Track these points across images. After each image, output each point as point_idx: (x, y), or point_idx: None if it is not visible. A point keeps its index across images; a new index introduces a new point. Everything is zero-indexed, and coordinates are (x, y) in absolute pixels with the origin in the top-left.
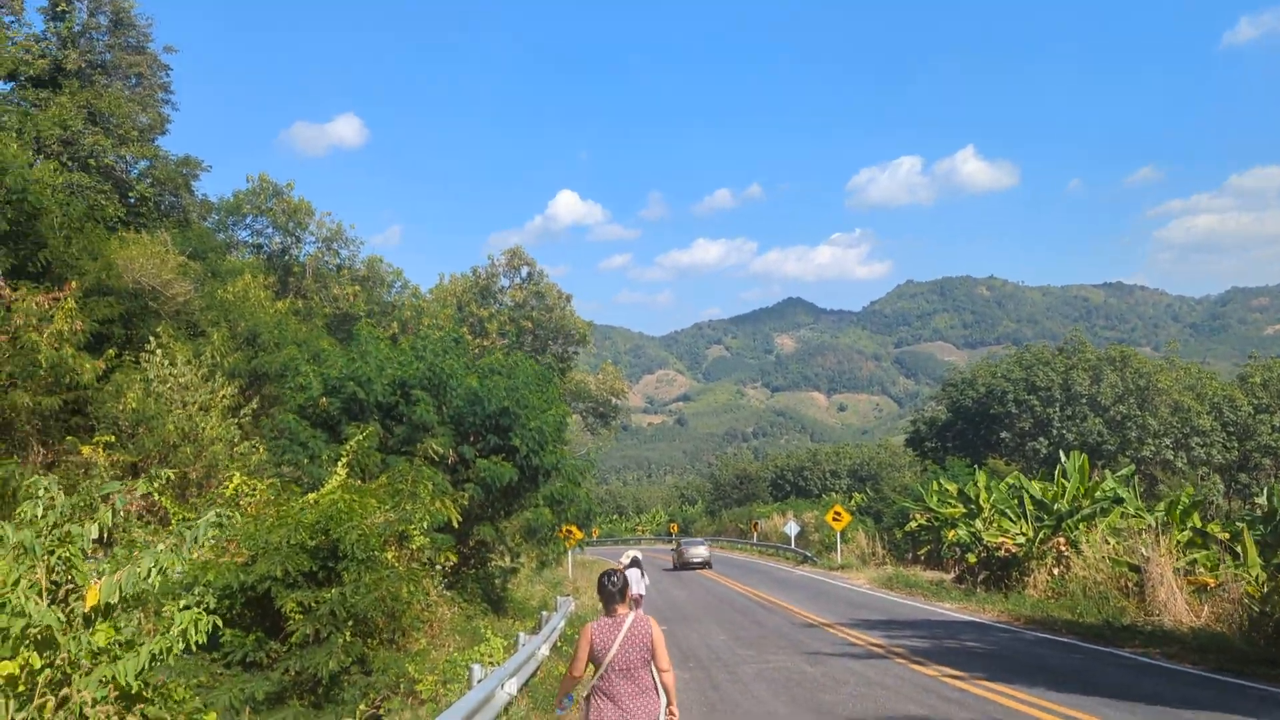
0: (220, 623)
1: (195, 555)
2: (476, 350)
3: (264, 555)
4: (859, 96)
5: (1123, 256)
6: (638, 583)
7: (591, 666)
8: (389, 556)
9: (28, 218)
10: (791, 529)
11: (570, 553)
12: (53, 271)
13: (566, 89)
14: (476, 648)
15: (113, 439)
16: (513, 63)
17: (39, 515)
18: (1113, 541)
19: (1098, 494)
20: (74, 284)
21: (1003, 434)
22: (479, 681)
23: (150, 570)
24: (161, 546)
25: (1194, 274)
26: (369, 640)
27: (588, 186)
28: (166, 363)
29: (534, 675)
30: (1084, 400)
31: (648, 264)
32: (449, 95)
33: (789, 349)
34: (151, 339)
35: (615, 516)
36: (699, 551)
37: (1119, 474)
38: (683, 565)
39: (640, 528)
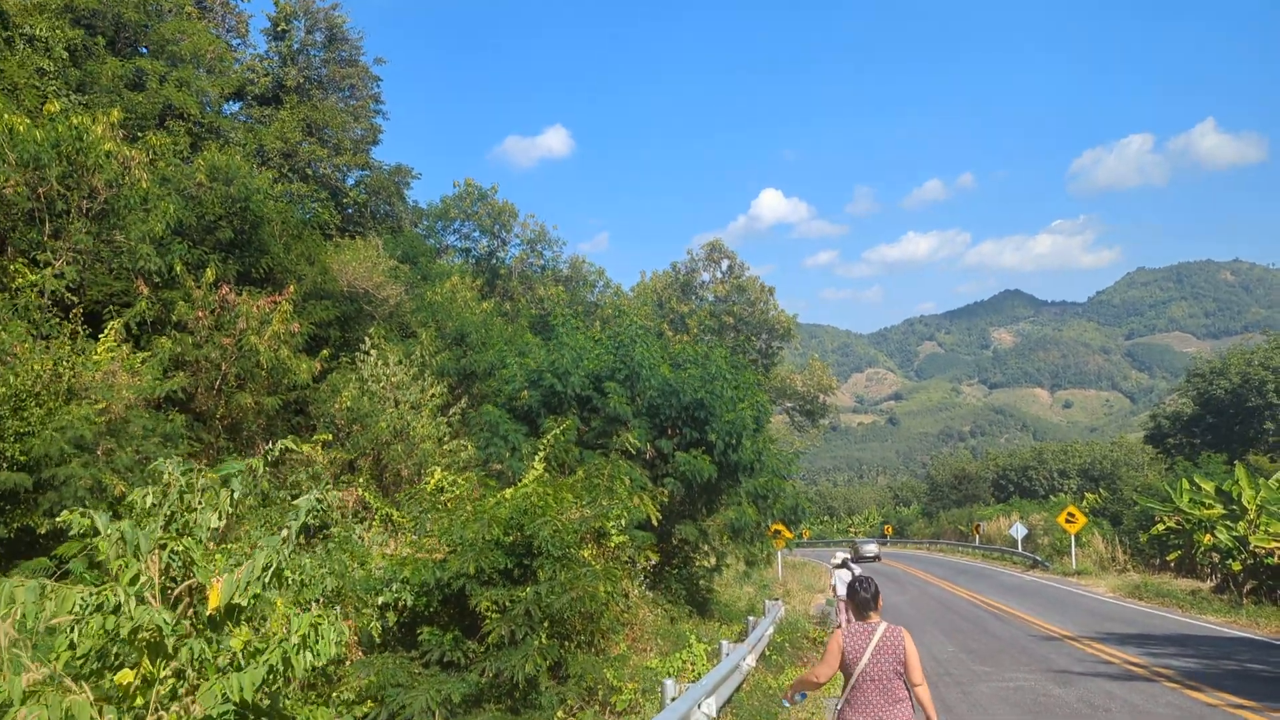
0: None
1: (392, 550)
2: (678, 347)
3: (458, 552)
4: (1079, 71)
5: None
6: (845, 584)
7: (841, 676)
8: (586, 554)
9: (251, 227)
10: (1018, 531)
11: (779, 554)
12: (274, 277)
13: (768, 88)
14: (678, 654)
15: (329, 437)
16: (714, 65)
17: (151, 503)
18: None
19: None
20: (292, 288)
21: (1264, 426)
22: (672, 700)
23: (266, 567)
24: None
25: None
26: (566, 643)
27: (791, 184)
28: (379, 363)
29: (739, 689)
30: None
31: (854, 259)
32: (652, 101)
33: (1007, 344)
34: (366, 340)
35: (826, 518)
36: (870, 549)
37: None
38: (857, 559)
39: (853, 529)
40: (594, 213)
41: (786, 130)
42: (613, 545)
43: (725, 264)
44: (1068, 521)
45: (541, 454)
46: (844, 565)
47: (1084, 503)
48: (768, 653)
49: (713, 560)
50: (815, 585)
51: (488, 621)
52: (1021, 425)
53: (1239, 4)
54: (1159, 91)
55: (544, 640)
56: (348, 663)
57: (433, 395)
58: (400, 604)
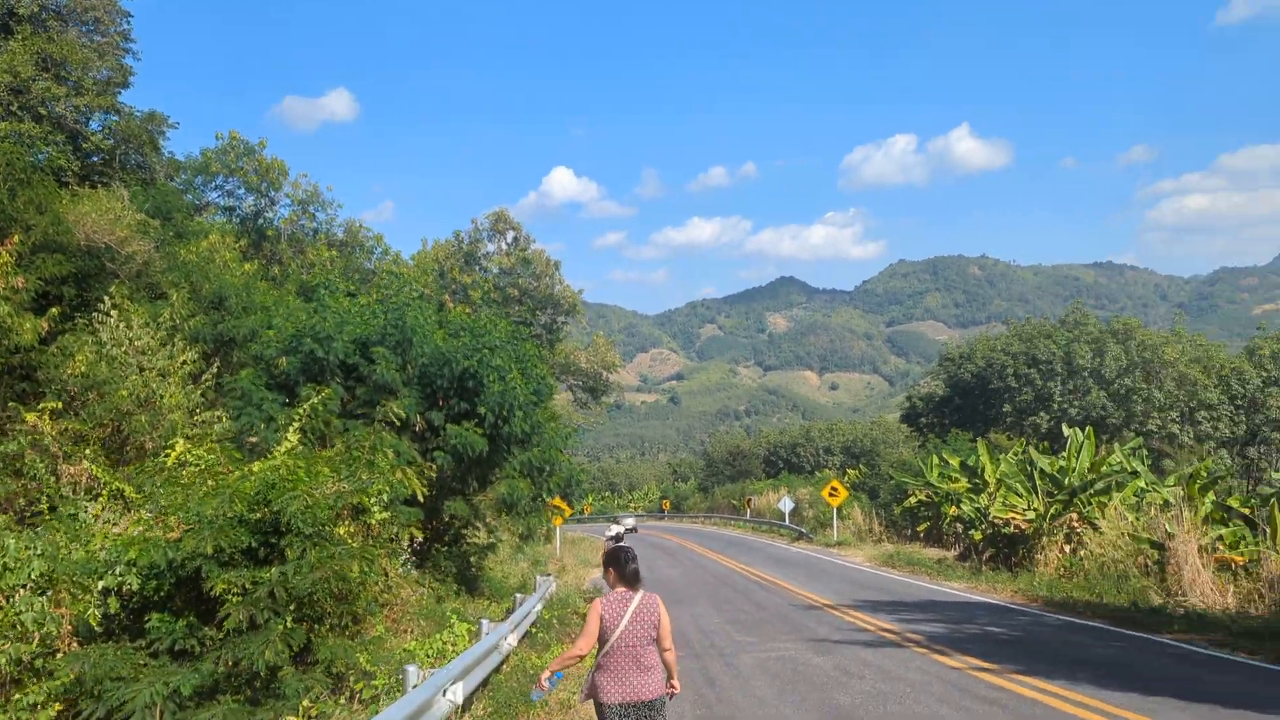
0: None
1: (121, 530)
2: (456, 315)
3: (195, 530)
4: (853, 72)
5: (1114, 236)
6: None
7: (596, 644)
8: (342, 532)
9: None
10: (786, 505)
11: (558, 530)
12: None
13: (562, 65)
14: (439, 634)
15: (58, 405)
16: (509, 38)
17: None
18: (1131, 517)
19: (1104, 468)
20: (16, 238)
21: (1003, 408)
22: (414, 687)
23: None
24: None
25: (1184, 254)
26: (318, 626)
27: (582, 163)
28: (121, 325)
29: (498, 670)
30: (1087, 374)
31: (642, 242)
32: (443, 69)
33: (782, 328)
34: (105, 299)
35: (608, 493)
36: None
37: (1126, 447)
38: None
39: (633, 504)
40: (379, 179)
41: (578, 108)
42: (374, 522)
43: (511, 235)
44: (831, 495)
45: (296, 424)
46: (618, 539)
47: (846, 478)
48: (534, 630)
49: (484, 536)
50: (592, 560)
51: (226, 605)
52: (792, 405)
53: (990, 17)
54: (923, 94)
55: (289, 624)
56: (59, 654)
57: (184, 362)
58: (125, 589)
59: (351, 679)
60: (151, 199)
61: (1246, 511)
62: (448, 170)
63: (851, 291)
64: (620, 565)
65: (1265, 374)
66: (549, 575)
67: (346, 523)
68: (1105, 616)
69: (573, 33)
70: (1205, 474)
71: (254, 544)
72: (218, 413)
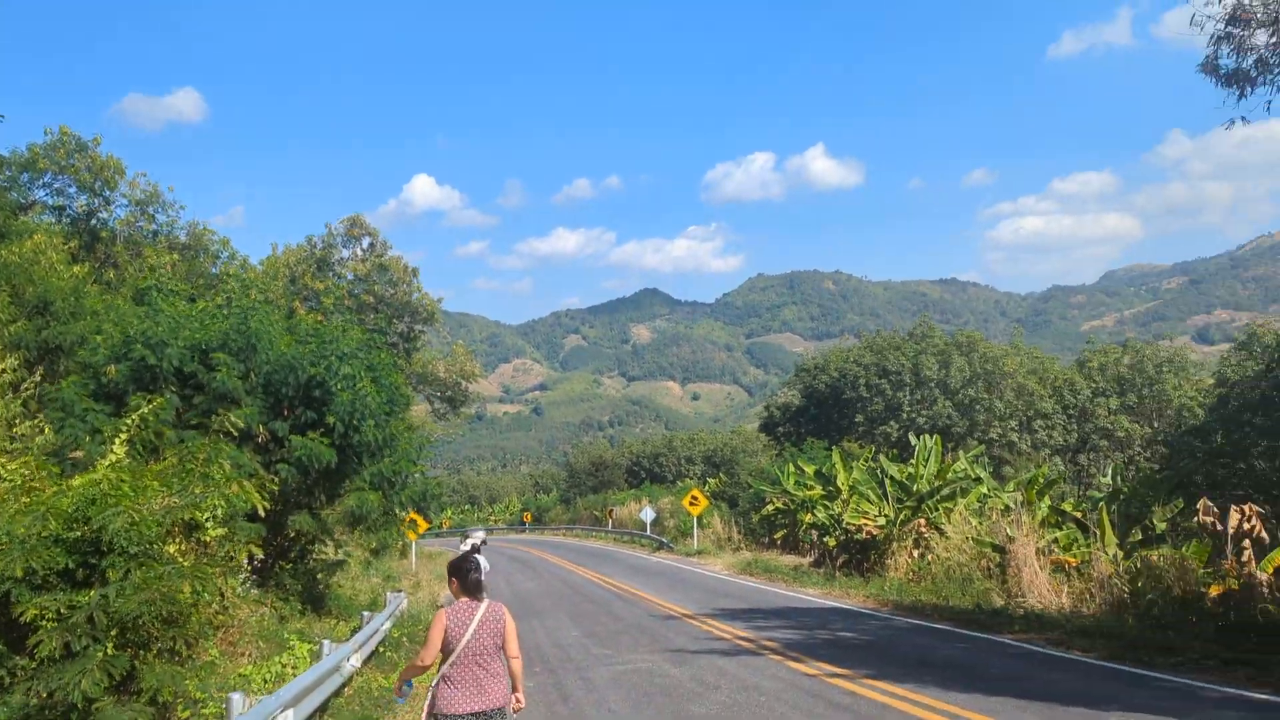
0: None
1: None
2: (306, 322)
3: (4, 550)
4: (715, 91)
5: (958, 254)
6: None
7: (440, 655)
8: (172, 550)
9: None
10: (647, 515)
11: (413, 544)
12: None
13: (425, 75)
14: (278, 657)
15: None
16: (371, 47)
17: None
18: (974, 521)
19: (950, 475)
20: None
21: (856, 418)
22: (238, 717)
23: None
24: None
25: (1020, 272)
26: (144, 652)
27: (444, 172)
28: None
29: (339, 694)
30: (933, 384)
31: (506, 252)
32: (299, 70)
33: (645, 339)
34: None
35: (468, 506)
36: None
37: (969, 455)
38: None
39: (494, 517)
40: (229, 184)
41: (440, 117)
42: (208, 539)
43: (367, 241)
44: (691, 504)
45: (124, 436)
46: (474, 551)
47: (707, 487)
48: (381, 649)
49: (333, 552)
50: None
51: (39, 632)
52: (655, 415)
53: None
54: (781, 113)
55: (110, 651)
56: None
57: (4, 369)
58: None
59: (179, 709)
60: None
61: (1078, 515)
62: (303, 176)
63: (713, 304)
64: (463, 575)
65: (1094, 385)
66: (400, 591)
67: (178, 540)
68: (951, 619)
69: (437, 44)
70: (1042, 480)
71: (71, 565)
72: (39, 423)
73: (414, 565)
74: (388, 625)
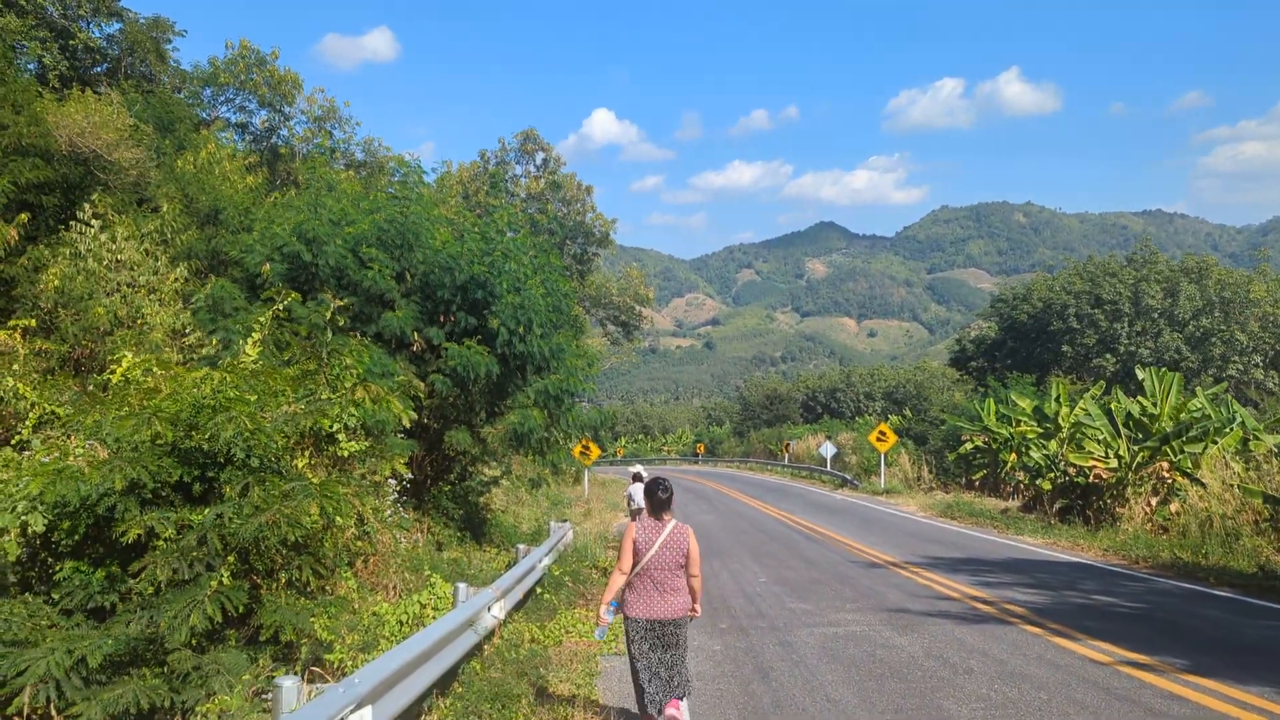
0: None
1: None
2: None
3: (109, 459)
4: (900, 11)
5: (1165, 184)
6: (641, 496)
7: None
8: (301, 465)
9: None
10: (827, 450)
11: (586, 471)
12: None
13: (604, 5)
14: (417, 595)
15: (32, 323)
16: None
17: None
18: (1235, 466)
19: (1183, 416)
20: None
21: (1063, 349)
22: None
23: None
24: None
25: (1239, 203)
26: (270, 581)
27: (624, 106)
28: (104, 236)
29: (476, 653)
30: (1157, 314)
31: (681, 186)
32: (487, 10)
33: (820, 274)
34: (86, 206)
35: (641, 435)
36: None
37: (1208, 393)
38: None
39: (667, 448)
40: (420, 122)
41: (621, 50)
42: (345, 454)
43: (540, 157)
44: (879, 440)
45: (257, 335)
46: (638, 479)
47: (890, 423)
48: (540, 591)
49: (493, 472)
50: (620, 505)
51: (149, 555)
52: (829, 352)
53: None
54: (971, 38)
55: (226, 580)
56: None
57: (174, 279)
58: (31, 531)
59: (304, 650)
60: (153, 108)
61: None
62: (489, 112)
63: (892, 238)
64: (651, 494)
65: None
66: (565, 521)
67: (307, 454)
68: (1233, 585)
69: None
70: None
71: (187, 477)
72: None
73: (586, 492)
74: (547, 561)
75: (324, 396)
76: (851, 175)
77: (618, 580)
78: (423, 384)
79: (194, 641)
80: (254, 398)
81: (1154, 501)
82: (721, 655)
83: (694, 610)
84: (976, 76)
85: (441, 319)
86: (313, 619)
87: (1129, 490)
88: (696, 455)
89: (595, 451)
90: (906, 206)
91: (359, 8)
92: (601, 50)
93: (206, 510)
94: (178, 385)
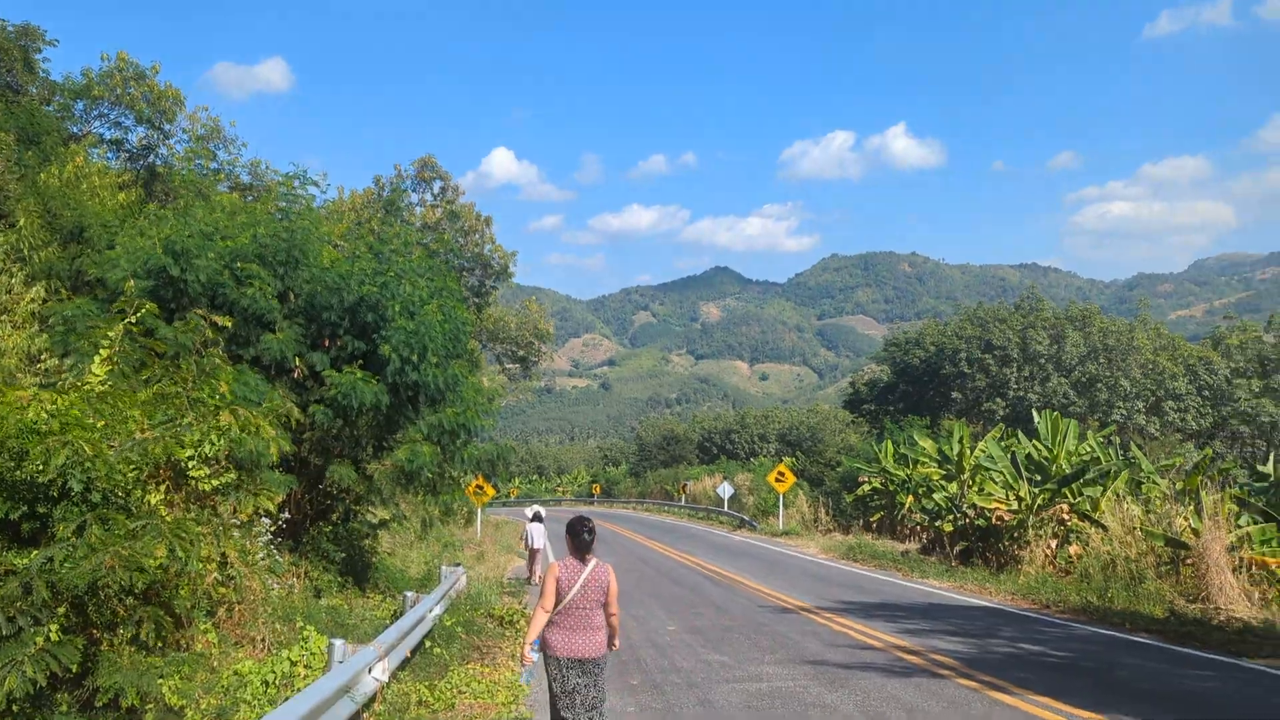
0: None
1: None
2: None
3: None
4: (796, 66)
5: (1040, 239)
6: (540, 536)
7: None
8: (154, 501)
9: None
10: (725, 491)
11: (479, 512)
12: None
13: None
14: (286, 651)
15: None
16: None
17: None
18: (1137, 510)
19: (1074, 460)
20: None
21: (953, 395)
22: None
23: None
24: None
25: (1105, 258)
26: (112, 635)
27: (523, 145)
28: None
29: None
30: (1044, 360)
31: (580, 227)
32: (382, 45)
33: (715, 318)
34: None
35: (535, 476)
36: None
37: (1098, 435)
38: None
39: (561, 489)
40: (314, 154)
41: (520, 88)
42: (205, 488)
43: (438, 185)
44: (778, 480)
45: (105, 352)
46: (536, 519)
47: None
48: (429, 644)
49: (383, 514)
50: (516, 547)
51: None
52: (723, 394)
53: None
54: (861, 91)
55: (54, 635)
56: None
57: (29, 299)
58: None
59: (148, 718)
60: (16, 118)
61: (1264, 507)
62: (387, 146)
63: (784, 284)
64: (576, 535)
65: (1233, 364)
66: (458, 565)
67: (163, 488)
68: (1149, 630)
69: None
70: (1207, 463)
71: (13, 514)
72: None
73: (479, 533)
74: (438, 611)
75: (185, 422)
76: (746, 221)
77: (540, 619)
78: (302, 413)
79: (14, 709)
80: (99, 423)
81: (1054, 544)
82: (635, 715)
83: (614, 645)
84: (866, 130)
85: (326, 343)
86: (161, 680)
87: (1030, 532)
88: (592, 496)
89: (490, 491)
90: (798, 254)
91: (252, 36)
92: (503, 89)
93: (34, 553)
94: (3, 408)
